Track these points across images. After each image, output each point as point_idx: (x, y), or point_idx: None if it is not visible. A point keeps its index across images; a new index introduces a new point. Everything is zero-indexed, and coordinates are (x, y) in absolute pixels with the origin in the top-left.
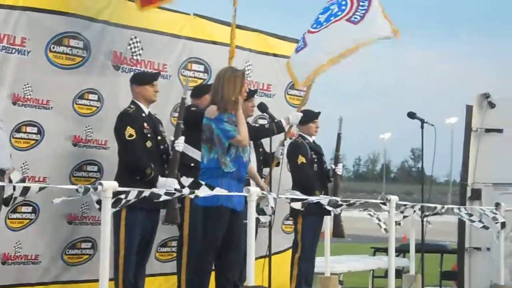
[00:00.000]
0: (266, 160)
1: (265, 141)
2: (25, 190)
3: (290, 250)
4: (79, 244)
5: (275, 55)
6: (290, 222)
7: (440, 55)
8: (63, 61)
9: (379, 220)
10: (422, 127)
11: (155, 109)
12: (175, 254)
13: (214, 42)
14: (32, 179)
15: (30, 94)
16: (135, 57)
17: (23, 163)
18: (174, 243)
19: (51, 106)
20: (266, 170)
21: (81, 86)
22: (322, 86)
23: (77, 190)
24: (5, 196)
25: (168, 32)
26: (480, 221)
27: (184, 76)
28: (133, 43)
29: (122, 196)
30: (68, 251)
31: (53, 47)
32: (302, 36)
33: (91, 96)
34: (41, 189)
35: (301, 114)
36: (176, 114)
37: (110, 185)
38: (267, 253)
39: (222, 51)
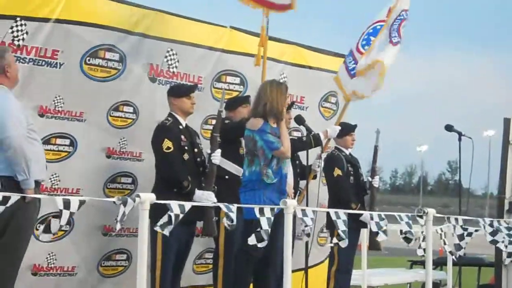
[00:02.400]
0: (303, 173)
1: (302, 154)
2: (67, 206)
3: (326, 263)
4: (114, 256)
5: (310, 67)
6: (325, 235)
7: (477, 66)
8: (98, 73)
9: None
10: (459, 139)
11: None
12: (210, 266)
13: (249, 55)
14: (65, 191)
15: (61, 106)
16: (171, 70)
17: (53, 175)
18: (209, 255)
19: (84, 118)
20: (302, 183)
21: (116, 99)
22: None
23: (114, 202)
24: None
25: (203, 45)
26: None
27: (216, 88)
28: (170, 55)
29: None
30: (103, 263)
31: (88, 60)
32: (351, 52)
33: (125, 108)
34: (81, 203)
35: (339, 128)
36: (207, 126)
37: (147, 197)
38: (305, 266)
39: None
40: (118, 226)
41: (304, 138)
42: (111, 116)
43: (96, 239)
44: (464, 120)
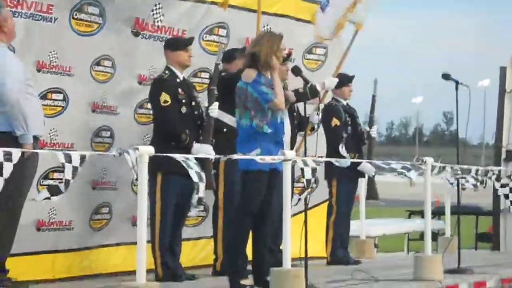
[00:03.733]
0: (301, 124)
1: (300, 106)
2: (68, 159)
3: (322, 208)
4: (100, 209)
5: (297, 19)
6: (300, 185)
7: (472, 16)
8: (83, 28)
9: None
10: (456, 88)
11: None
12: (199, 219)
13: (238, 7)
14: (62, 146)
15: (56, 62)
16: (156, 24)
17: (51, 130)
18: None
19: (73, 73)
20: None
21: (97, 53)
22: (354, 48)
23: (114, 155)
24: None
25: None
26: None
27: (207, 41)
28: (156, 9)
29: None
30: (93, 217)
31: (76, 14)
32: None
33: (106, 63)
34: (82, 158)
35: (337, 80)
36: (196, 79)
37: (145, 150)
38: (304, 220)
39: (245, 16)
40: (134, 175)
41: (301, 90)
42: (94, 70)
43: (87, 193)
44: (458, 71)
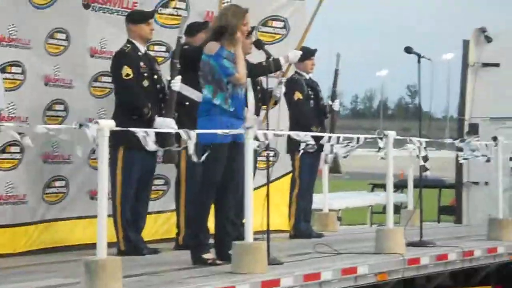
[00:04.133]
0: (264, 98)
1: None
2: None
3: (284, 181)
4: (54, 183)
5: None
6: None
7: None
8: (38, 0)
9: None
10: (419, 61)
11: None
12: (160, 193)
13: None
14: (19, 120)
15: (15, 35)
16: None
17: (9, 104)
18: (158, 181)
19: (30, 46)
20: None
21: (50, 26)
22: (317, 23)
23: (74, 128)
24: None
25: None
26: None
27: (161, 14)
28: None
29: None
30: (46, 190)
31: None
32: None
33: (59, 36)
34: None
35: (300, 52)
36: (150, 53)
37: (106, 124)
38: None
39: None
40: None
41: (264, 63)
42: (47, 43)
43: (38, 167)
44: (423, 44)
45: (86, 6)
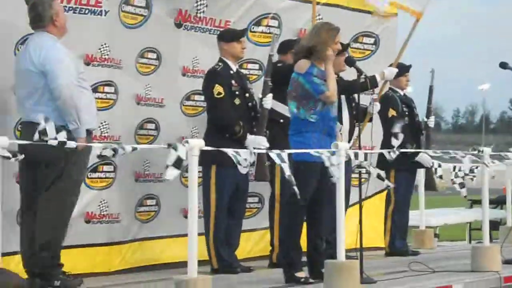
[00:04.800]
0: (359, 115)
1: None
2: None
3: (379, 199)
4: (145, 201)
5: (346, 8)
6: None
7: None
8: (129, 20)
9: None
10: None
11: None
12: (254, 210)
13: None
14: (111, 139)
15: (107, 54)
16: (198, 15)
17: (102, 123)
18: (252, 199)
19: (121, 66)
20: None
21: (141, 45)
22: (412, 37)
23: (164, 148)
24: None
25: None
26: None
27: (254, 32)
28: (201, 0)
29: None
30: (138, 209)
31: (123, 7)
32: None
33: (150, 55)
34: (134, 149)
35: (396, 70)
36: (243, 71)
37: (196, 143)
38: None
39: (296, 7)
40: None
41: (361, 80)
42: (138, 63)
43: (130, 186)
44: None
45: (178, 25)
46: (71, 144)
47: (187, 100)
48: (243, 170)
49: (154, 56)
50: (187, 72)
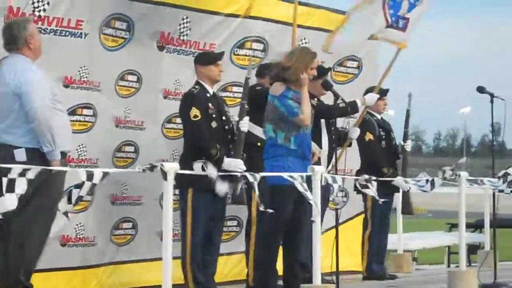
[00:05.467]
0: (338, 139)
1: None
2: (90, 177)
3: (356, 222)
4: (121, 224)
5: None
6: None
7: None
8: (109, 42)
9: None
10: (491, 101)
11: None
12: (232, 234)
13: (273, 21)
14: (89, 162)
15: (86, 77)
16: (181, 38)
17: (79, 146)
18: (231, 223)
19: (100, 88)
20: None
21: (121, 68)
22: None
23: (138, 171)
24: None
25: (221, 12)
26: None
27: (238, 55)
28: (184, 23)
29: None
30: (114, 232)
31: (104, 29)
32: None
33: (130, 77)
34: (104, 175)
35: (378, 96)
36: (225, 94)
37: (171, 167)
38: (335, 237)
39: (282, 30)
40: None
41: (341, 105)
42: (118, 85)
43: (107, 208)
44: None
45: (161, 48)
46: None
47: (168, 123)
48: (221, 193)
49: (135, 78)
50: (168, 95)
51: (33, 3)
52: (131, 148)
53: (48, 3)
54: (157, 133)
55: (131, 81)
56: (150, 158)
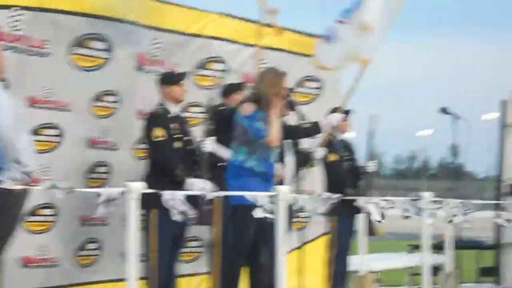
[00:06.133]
0: (303, 160)
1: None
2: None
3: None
4: (86, 245)
5: (291, 52)
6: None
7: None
8: (83, 63)
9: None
10: (454, 122)
11: None
12: (195, 255)
13: (235, 42)
14: None
15: (50, 97)
16: (153, 57)
17: (41, 165)
18: (193, 244)
19: (70, 109)
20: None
21: (99, 88)
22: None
23: (98, 194)
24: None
25: (186, 32)
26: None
27: (200, 75)
28: (155, 43)
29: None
30: (79, 253)
31: (74, 49)
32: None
33: (107, 98)
34: (69, 192)
35: (342, 116)
36: (187, 114)
37: (136, 186)
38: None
39: (242, 50)
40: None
41: (307, 125)
42: (93, 106)
43: (75, 229)
44: (464, 104)
45: (138, 68)
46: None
47: (139, 143)
48: (177, 217)
49: (112, 99)
50: (142, 115)
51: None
52: (104, 169)
53: (16, 21)
54: (130, 153)
55: (109, 102)
56: (123, 179)
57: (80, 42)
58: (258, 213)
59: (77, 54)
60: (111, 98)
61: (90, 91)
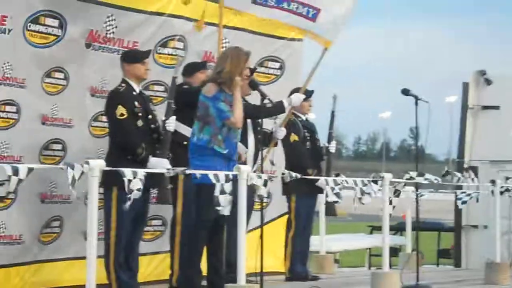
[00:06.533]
0: (265, 140)
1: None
2: (16, 173)
3: (280, 222)
4: (50, 222)
5: (252, 32)
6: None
7: (439, 32)
8: (37, 39)
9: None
10: (416, 103)
11: None
12: (157, 233)
13: (194, 20)
14: (12, 159)
15: (10, 73)
16: (108, 35)
17: (2, 143)
18: (156, 222)
19: (26, 85)
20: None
21: (48, 65)
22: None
23: (61, 168)
24: None
25: (146, 10)
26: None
27: (161, 54)
28: (109, 21)
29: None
30: (43, 230)
31: (30, 26)
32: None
33: (57, 75)
34: (29, 171)
35: (304, 96)
36: (149, 92)
37: (97, 164)
38: (260, 236)
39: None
40: (74, 194)
41: (268, 105)
42: (44, 82)
43: (36, 207)
44: (427, 87)
45: (88, 46)
46: None
47: (94, 121)
48: (135, 195)
49: (62, 75)
50: (95, 93)
51: None
52: (59, 146)
53: None
54: (84, 131)
55: (59, 78)
56: (77, 156)
57: (35, 19)
58: (219, 192)
59: (32, 30)
60: (59, 75)
61: (41, 67)
